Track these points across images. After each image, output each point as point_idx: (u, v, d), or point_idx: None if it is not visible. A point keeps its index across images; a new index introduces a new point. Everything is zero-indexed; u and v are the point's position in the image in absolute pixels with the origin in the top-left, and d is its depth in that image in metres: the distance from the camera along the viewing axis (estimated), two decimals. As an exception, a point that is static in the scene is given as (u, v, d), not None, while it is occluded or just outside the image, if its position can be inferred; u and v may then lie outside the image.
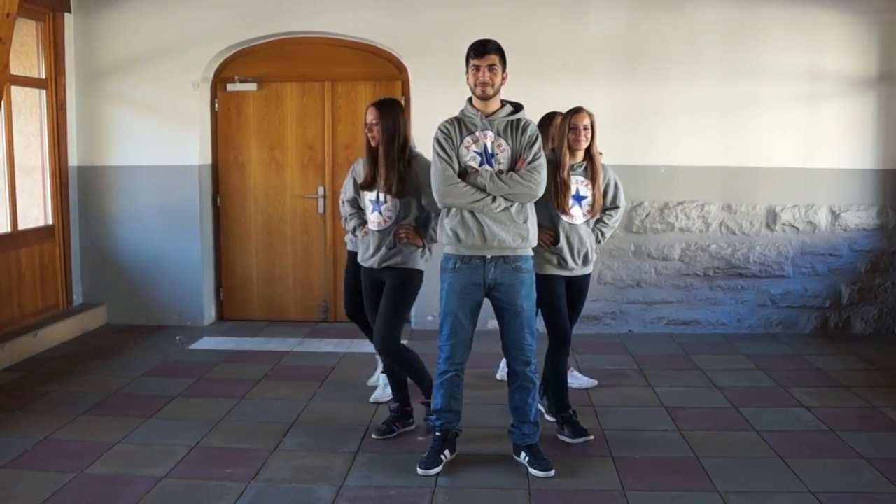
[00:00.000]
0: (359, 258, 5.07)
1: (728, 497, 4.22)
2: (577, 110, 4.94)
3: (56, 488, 4.31)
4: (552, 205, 4.86)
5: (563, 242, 4.90)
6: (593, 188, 4.97)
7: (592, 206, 4.99)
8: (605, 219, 5.20)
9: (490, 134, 4.42)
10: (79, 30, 7.90)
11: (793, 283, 7.80)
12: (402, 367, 5.11)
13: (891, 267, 7.81)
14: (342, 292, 5.87)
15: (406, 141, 4.84)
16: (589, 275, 5.16)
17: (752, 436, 5.13)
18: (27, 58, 7.49)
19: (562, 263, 4.93)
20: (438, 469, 4.54)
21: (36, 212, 7.70)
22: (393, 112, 4.80)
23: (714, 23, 7.59)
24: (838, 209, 7.74)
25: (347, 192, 5.18)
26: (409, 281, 4.96)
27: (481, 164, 4.41)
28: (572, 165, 4.93)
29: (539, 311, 4.92)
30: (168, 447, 4.90)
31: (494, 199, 4.35)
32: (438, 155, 4.42)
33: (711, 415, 5.53)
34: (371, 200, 4.92)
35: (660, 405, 5.69)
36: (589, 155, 4.97)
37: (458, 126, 4.46)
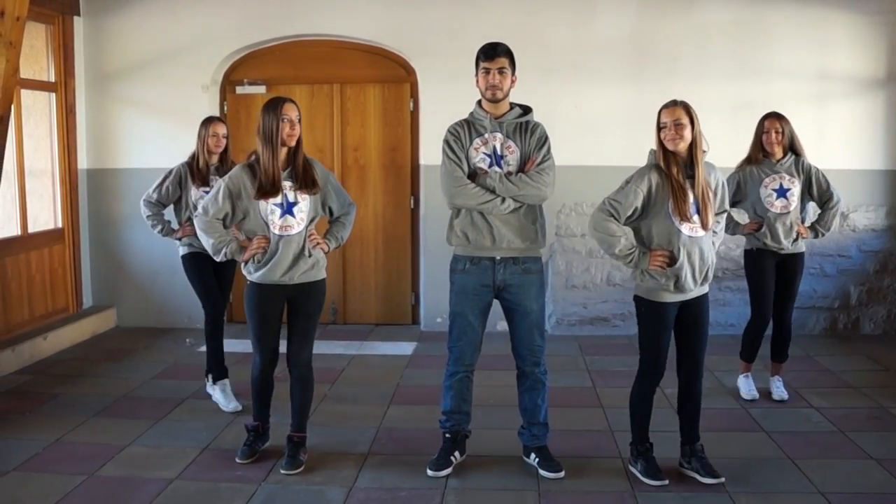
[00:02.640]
0: (263, 276, 4.52)
1: (737, 497, 4.23)
2: (666, 105, 4.33)
3: (67, 490, 4.32)
4: (670, 217, 4.24)
5: (682, 260, 4.23)
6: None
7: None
8: (714, 228, 4.42)
9: (499, 136, 4.43)
10: (88, 33, 7.94)
11: (802, 284, 7.73)
12: (310, 390, 4.74)
13: (900, 267, 7.81)
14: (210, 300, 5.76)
15: None
16: (707, 294, 4.45)
17: (762, 436, 5.13)
18: (37, 61, 7.52)
19: (679, 286, 4.29)
20: (448, 470, 4.55)
21: (46, 215, 7.73)
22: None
23: (722, 23, 7.59)
24: (847, 210, 7.72)
25: (217, 205, 4.50)
26: (324, 293, 4.72)
27: (490, 165, 4.41)
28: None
29: (641, 337, 4.49)
30: (179, 449, 4.92)
31: (503, 200, 4.35)
32: (448, 156, 4.43)
33: (720, 415, 5.52)
34: (276, 205, 4.47)
35: (669, 406, 5.66)
36: (691, 155, 4.26)
37: (468, 128, 4.47)
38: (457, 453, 4.64)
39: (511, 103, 4.50)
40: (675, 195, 4.22)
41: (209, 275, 5.71)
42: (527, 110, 4.53)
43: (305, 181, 4.51)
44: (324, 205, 4.66)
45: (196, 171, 5.64)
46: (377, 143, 8.09)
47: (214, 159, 5.69)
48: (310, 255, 4.56)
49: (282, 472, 4.58)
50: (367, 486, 4.43)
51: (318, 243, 4.60)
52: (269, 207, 4.47)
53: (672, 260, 4.25)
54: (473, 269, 4.47)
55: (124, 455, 4.84)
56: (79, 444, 5.03)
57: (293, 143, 4.48)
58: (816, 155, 7.59)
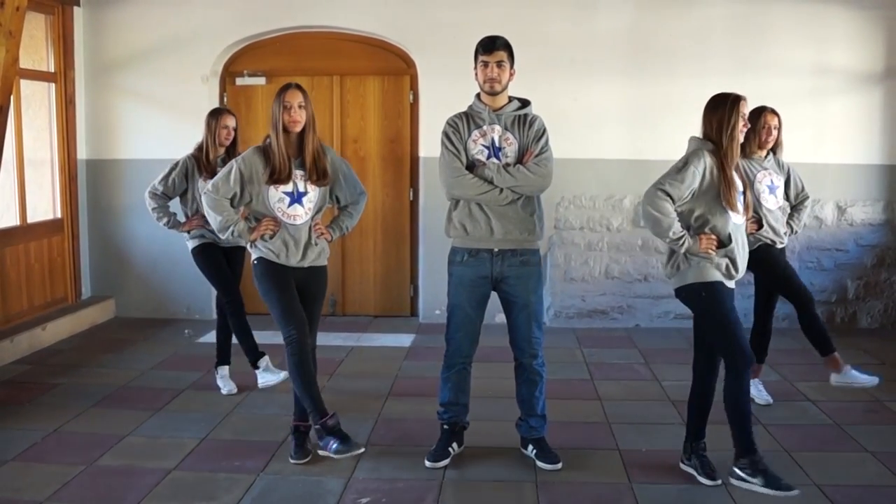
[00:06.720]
0: (278, 259, 4.50)
1: (734, 489, 4.24)
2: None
3: (65, 480, 4.34)
4: (720, 203, 4.17)
5: (734, 244, 4.18)
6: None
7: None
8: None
9: (497, 128, 4.44)
10: (88, 24, 7.94)
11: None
12: (311, 377, 4.51)
13: (897, 262, 7.83)
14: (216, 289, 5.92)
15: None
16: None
17: (758, 429, 5.11)
18: (36, 51, 7.52)
19: (730, 272, 4.21)
20: (446, 462, 4.56)
21: (45, 205, 7.74)
22: (309, 97, 4.50)
23: (722, 18, 7.60)
24: (844, 204, 7.75)
25: (227, 185, 4.44)
26: (327, 279, 4.75)
27: (489, 157, 4.43)
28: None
29: (711, 325, 4.26)
30: (177, 439, 4.94)
31: (501, 190, 4.37)
32: (446, 148, 4.45)
33: (717, 408, 5.51)
34: (286, 193, 4.47)
35: (666, 398, 5.71)
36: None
37: (466, 120, 4.49)
38: (455, 445, 4.66)
39: (510, 96, 4.51)
40: (728, 184, 4.13)
41: (222, 263, 5.73)
42: (525, 103, 4.54)
43: (316, 171, 4.50)
44: (331, 194, 4.67)
45: (205, 164, 5.61)
46: (377, 134, 8.10)
47: (222, 151, 5.67)
48: (316, 244, 4.58)
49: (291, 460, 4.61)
50: (366, 476, 4.44)
51: (321, 233, 4.62)
52: (279, 195, 4.47)
53: (721, 245, 4.15)
54: (472, 261, 4.48)
55: (123, 445, 4.86)
56: (77, 433, 5.05)
57: (296, 129, 4.42)
58: (814, 150, 7.68)
